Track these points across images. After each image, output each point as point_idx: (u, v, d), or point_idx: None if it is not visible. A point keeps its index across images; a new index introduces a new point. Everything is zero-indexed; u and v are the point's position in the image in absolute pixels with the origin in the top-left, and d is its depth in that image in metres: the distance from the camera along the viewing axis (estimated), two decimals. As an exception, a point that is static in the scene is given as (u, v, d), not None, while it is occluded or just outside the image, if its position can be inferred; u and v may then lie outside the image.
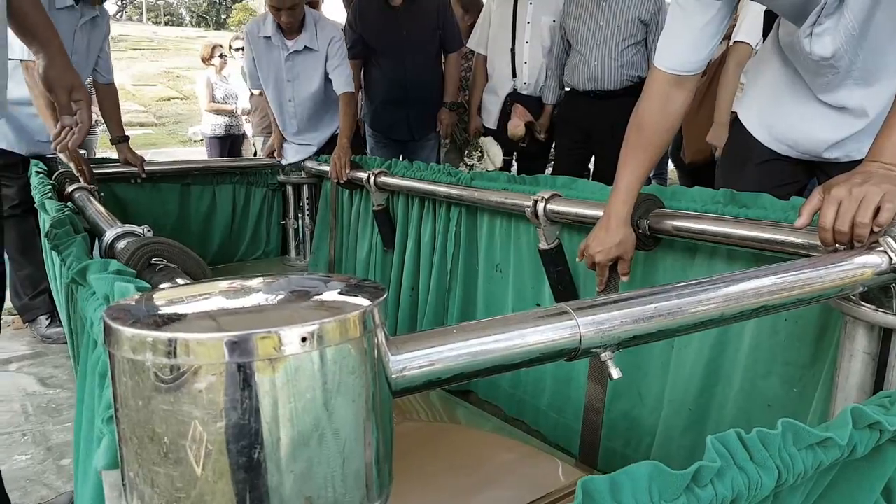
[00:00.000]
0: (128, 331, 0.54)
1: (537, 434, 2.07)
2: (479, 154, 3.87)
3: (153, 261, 1.21)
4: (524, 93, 3.89)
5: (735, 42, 3.54)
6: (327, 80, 3.42)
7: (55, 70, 1.65)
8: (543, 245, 1.94)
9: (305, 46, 3.34)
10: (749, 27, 3.46)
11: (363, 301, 0.60)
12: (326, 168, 3.22)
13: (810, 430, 0.73)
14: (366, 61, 3.93)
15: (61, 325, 3.27)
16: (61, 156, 2.80)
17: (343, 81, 3.36)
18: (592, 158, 3.91)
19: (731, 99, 3.61)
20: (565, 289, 1.96)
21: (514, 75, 3.87)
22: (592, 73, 3.55)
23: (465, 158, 4.03)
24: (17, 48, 2.68)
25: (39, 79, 1.68)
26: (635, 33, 3.47)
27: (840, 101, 1.62)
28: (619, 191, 1.59)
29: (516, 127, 3.84)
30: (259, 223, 3.88)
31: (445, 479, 1.41)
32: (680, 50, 1.54)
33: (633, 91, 3.48)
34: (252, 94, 6.00)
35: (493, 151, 3.80)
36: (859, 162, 1.21)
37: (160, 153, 11.54)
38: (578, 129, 3.70)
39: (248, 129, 6.83)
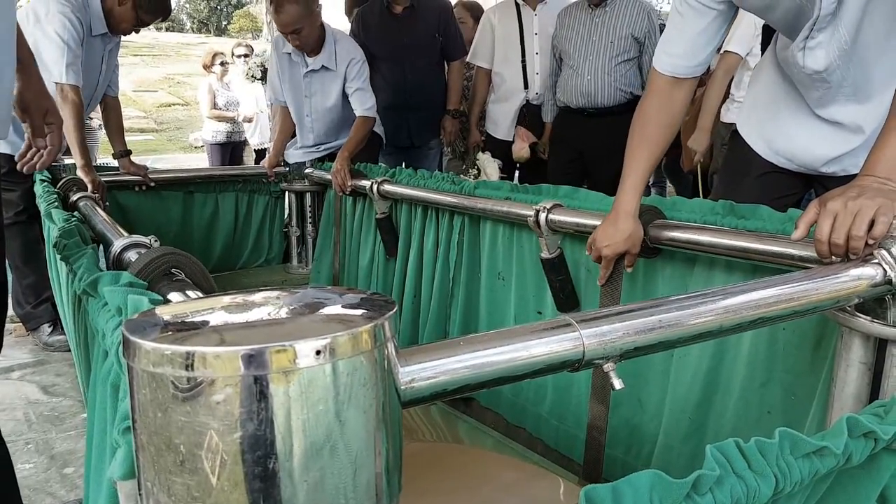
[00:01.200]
0: (147, 344, 0.56)
1: (538, 442, 2.09)
2: (476, 171, 3.88)
3: (164, 272, 1.23)
4: (536, 103, 3.91)
5: (724, 51, 3.56)
6: (345, 98, 3.45)
7: (31, 93, 1.63)
8: (545, 254, 1.96)
9: (323, 66, 3.36)
10: (739, 37, 3.49)
11: (374, 314, 0.62)
12: (329, 176, 3.25)
13: (807, 440, 0.75)
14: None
15: (64, 333, 3.28)
16: (80, 173, 2.88)
17: (360, 105, 3.37)
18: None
19: (716, 106, 3.65)
20: (567, 297, 1.98)
21: (526, 86, 3.90)
22: (585, 87, 3.51)
23: (461, 175, 4.04)
24: (56, 72, 2.85)
25: (14, 101, 1.66)
26: (628, 50, 3.45)
27: (834, 116, 1.64)
28: (625, 186, 1.62)
29: (521, 150, 3.86)
30: (261, 231, 3.90)
31: (449, 500, 1.42)
32: (675, 55, 1.58)
33: (625, 109, 3.44)
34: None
35: (491, 169, 3.81)
36: (855, 176, 1.23)
37: (161, 159, 11.57)
38: (571, 148, 3.66)
39: (248, 137, 6.86)
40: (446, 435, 2.08)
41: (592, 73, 3.50)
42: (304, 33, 3.22)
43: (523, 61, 3.87)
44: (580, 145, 3.61)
